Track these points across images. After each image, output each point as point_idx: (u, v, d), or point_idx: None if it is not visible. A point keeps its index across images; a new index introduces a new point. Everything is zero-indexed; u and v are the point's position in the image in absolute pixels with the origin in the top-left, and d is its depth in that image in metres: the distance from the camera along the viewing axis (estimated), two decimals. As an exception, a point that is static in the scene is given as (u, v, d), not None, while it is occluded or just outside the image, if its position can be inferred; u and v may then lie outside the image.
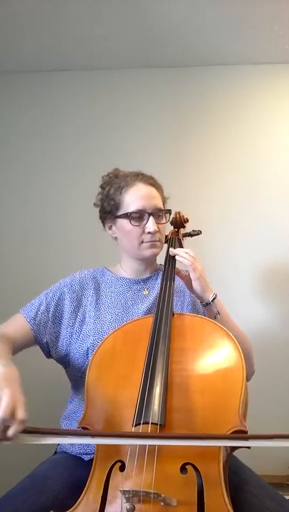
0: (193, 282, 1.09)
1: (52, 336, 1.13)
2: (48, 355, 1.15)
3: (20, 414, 0.73)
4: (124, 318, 1.11)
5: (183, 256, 1.11)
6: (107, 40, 1.87)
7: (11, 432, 0.72)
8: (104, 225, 1.23)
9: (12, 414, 0.72)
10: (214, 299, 1.09)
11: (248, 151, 1.99)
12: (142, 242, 1.15)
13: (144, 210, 1.13)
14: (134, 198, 1.13)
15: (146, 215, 1.13)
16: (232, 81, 2.03)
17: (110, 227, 1.21)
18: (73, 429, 0.80)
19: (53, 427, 0.82)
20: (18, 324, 1.10)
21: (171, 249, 1.18)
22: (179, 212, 1.30)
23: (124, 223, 1.15)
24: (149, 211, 1.13)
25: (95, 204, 1.24)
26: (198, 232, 1.30)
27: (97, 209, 1.23)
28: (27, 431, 0.74)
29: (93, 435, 0.82)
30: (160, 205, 1.17)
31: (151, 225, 1.12)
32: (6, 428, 0.72)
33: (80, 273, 1.22)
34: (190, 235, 1.30)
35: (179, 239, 1.26)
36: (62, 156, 2.03)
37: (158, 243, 1.17)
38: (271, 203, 1.95)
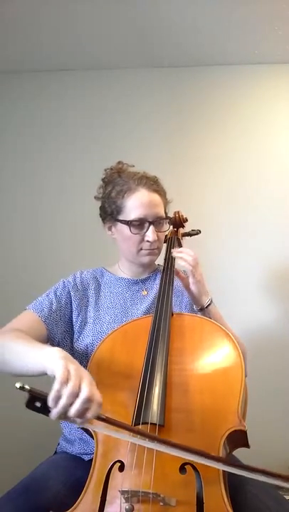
0: (191, 285, 1.08)
1: (62, 335, 1.11)
2: None
3: (99, 395, 0.72)
4: (124, 319, 1.11)
5: (186, 260, 1.09)
6: (107, 40, 1.87)
7: (90, 413, 0.69)
8: (103, 223, 1.22)
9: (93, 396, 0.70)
10: (209, 304, 1.08)
11: (247, 150, 1.99)
12: (141, 249, 1.15)
13: (145, 219, 1.12)
14: (136, 205, 1.11)
15: (147, 223, 1.12)
16: (232, 81, 2.03)
17: (110, 228, 1.21)
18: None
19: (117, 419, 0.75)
20: (31, 322, 1.05)
21: (174, 252, 1.15)
22: (178, 212, 1.28)
23: (124, 229, 1.14)
24: (150, 220, 1.12)
25: (95, 197, 1.22)
26: (198, 232, 1.29)
27: (98, 203, 1.21)
28: (100, 417, 0.72)
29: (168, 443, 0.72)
30: (161, 213, 1.16)
31: (150, 233, 1.11)
32: (86, 410, 0.69)
33: (81, 273, 1.22)
34: (189, 234, 1.29)
35: (178, 238, 1.25)
36: (61, 155, 2.03)
37: (156, 251, 1.17)
38: (271, 203, 1.94)
